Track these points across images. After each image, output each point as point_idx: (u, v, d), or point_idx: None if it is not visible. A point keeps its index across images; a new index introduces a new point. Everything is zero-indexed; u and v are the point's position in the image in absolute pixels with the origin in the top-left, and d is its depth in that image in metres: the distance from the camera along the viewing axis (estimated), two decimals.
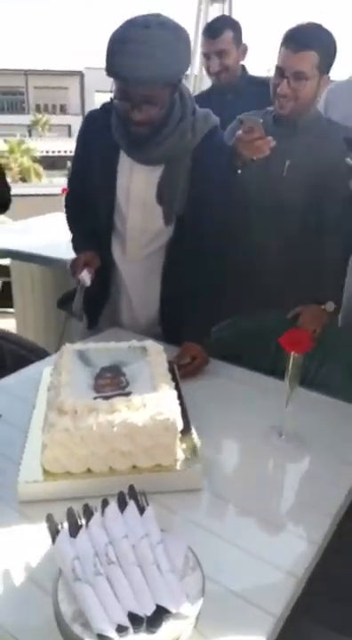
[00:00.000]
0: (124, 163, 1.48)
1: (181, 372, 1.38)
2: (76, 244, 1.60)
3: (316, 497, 1.03)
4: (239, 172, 1.53)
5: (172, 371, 1.21)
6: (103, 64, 1.36)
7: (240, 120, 1.47)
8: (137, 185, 1.48)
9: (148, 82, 1.27)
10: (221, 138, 1.52)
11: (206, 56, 2.33)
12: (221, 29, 2.26)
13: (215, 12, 4.16)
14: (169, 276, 1.58)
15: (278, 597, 0.80)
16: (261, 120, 1.49)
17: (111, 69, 1.28)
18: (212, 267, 1.50)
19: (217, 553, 0.88)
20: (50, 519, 0.81)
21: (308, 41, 1.51)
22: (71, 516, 0.81)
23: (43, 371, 1.35)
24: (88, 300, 1.64)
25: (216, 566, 0.82)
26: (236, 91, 2.29)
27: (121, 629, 0.68)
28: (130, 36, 1.25)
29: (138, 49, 1.24)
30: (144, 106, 1.31)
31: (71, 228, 1.67)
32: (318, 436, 1.21)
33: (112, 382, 1.11)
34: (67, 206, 1.69)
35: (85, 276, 1.50)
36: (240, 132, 1.49)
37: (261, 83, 1.67)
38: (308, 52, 1.50)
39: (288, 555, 0.89)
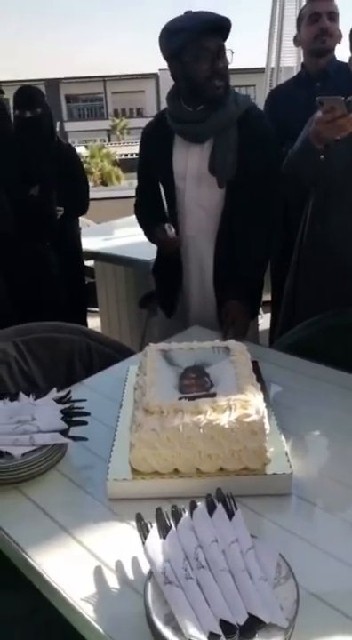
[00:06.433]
0: (179, 148, 1.72)
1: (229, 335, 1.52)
2: (149, 230, 1.79)
3: None
4: (322, 157, 1.46)
5: (256, 371, 1.18)
6: None
7: (319, 102, 1.37)
8: (192, 163, 1.70)
9: (224, 24, 1.55)
10: (261, 112, 1.75)
11: (313, 17, 2.19)
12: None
13: (291, 4, 4.07)
14: (222, 243, 1.74)
15: None
16: (343, 98, 1.39)
17: (195, 27, 1.51)
18: (265, 224, 1.71)
19: (309, 560, 0.84)
20: (139, 519, 0.82)
21: None
22: (160, 517, 0.81)
23: (128, 369, 1.38)
24: (163, 288, 1.90)
25: (308, 575, 0.79)
26: (326, 77, 2.18)
27: (213, 637, 0.66)
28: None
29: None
30: (222, 54, 1.56)
31: (142, 224, 1.87)
32: None
33: (196, 383, 1.10)
34: (136, 210, 1.92)
35: (169, 228, 1.67)
36: (319, 113, 1.41)
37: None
38: None
39: None
